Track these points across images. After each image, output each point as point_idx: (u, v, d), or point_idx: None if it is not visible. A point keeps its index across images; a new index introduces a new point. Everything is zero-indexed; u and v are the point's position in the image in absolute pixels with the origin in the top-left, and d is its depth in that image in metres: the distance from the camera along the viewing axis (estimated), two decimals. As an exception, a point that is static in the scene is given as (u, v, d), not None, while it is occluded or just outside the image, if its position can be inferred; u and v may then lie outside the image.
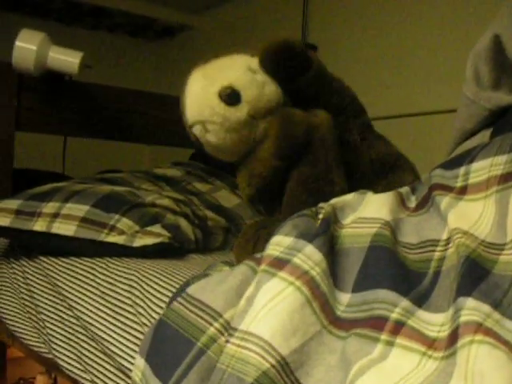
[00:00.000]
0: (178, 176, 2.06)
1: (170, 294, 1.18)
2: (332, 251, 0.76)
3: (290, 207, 0.93)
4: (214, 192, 2.00)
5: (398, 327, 0.65)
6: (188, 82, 0.99)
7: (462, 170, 0.78)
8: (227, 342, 0.72)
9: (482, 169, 0.75)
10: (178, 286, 1.21)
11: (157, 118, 2.26)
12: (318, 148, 0.92)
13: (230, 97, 0.93)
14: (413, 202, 0.86)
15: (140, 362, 0.83)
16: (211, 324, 0.76)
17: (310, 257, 0.74)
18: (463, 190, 0.76)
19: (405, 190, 0.89)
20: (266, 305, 0.70)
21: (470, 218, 0.72)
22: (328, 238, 0.77)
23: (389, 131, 1.17)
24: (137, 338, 1.16)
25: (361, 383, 0.60)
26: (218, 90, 0.93)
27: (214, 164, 2.21)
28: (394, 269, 0.71)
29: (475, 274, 0.63)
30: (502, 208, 0.68)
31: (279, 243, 0.77)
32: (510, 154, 0.72)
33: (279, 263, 0.74)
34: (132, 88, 2.27)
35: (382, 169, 0.97)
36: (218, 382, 0.69)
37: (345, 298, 0.73)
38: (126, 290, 1.26)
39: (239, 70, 0.95)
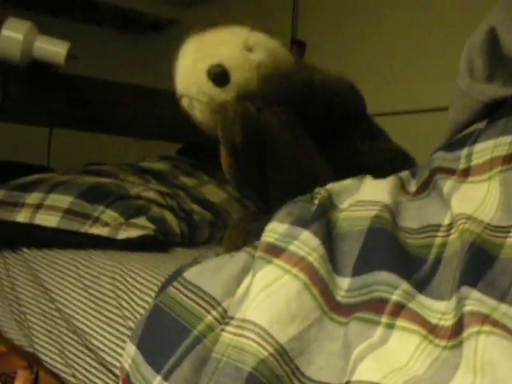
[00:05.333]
0: (165, 170, 2.04)
1: (154, 288, 1.15)
2: (329, 236, 0.74)
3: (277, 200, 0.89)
4: (201, 186, 1.97)
5: (399, 309, 0.64)
6: (181, 51, 0.95)
7: (464, 151, 0.77)
8: (223, 330, 0.70)
9: (484, 149, 0.74)
10: (162, 280, 1.18)
11: (144, 112, 2.23)
12: (274, 152, 0.88)
13: (218, 76, 0.88)
14: (413, 186, 0.84)
15: (131, 348, 0.80)
16: (209, 312, 0.74)
17: (307, 243, 0.72)
18: (466, 172, 0.75)
19: (405, 174, 0.87)
20: (261, 291, 0.68)
21: (473, 200, 0.70)
22: (325, 222, 0.75)
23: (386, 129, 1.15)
24: (119, 331, 1.14)
25: (361, 370, 0.59)
26: (208, 67, 0.88)
27: (201, 158, 2.19)
28: (394, 251, 0.70)
29: (480, 262, 0.62)
30: (507, 189, 0.67)
31: (274, 230, 0.75)
32: None
33: (274, 250, 0.72)
34: (119, 81, 2.24)
35: (382, 163, 0.95)
36: (212, 372, 0.67)
37: (345, 282, 0.71)
38: (109, 283, 1.24)
39: (233, 47, 0.91)
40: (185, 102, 0.92)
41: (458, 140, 0.84)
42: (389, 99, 2.67)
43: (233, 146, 0.87)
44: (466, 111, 0.99)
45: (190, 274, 0.80)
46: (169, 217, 1.56)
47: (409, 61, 2.70)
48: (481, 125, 0.96)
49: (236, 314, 0.70)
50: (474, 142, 0.76)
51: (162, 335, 0.76)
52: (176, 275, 0.84)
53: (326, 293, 0.70)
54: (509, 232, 0.64)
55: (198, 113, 0.91)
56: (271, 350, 0.64)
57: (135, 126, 2.26)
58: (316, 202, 0.79)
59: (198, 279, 0.79)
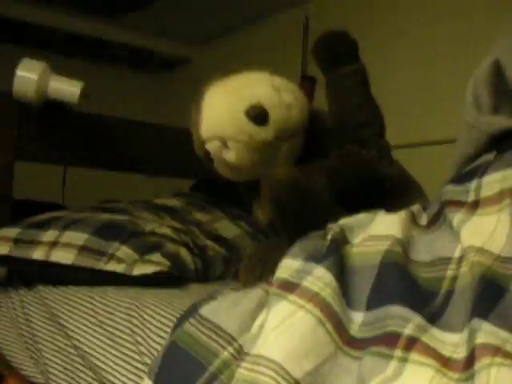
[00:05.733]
0: (178, 206, 2.05)
1: (169, 323, 1.16)
2: (342, 271, 0.75)
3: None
4: (214, 222, 1.98)
5: (412, 343, 0.64)
6: (206, 97, 0.95)
7: (473, 184, 0.78)
8: (238, 366, 0.71)
9: (493, 182, 0.75)
10: (177, 315, 1.19)
11: (158, 149, 2.25)
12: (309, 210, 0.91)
13: (259, 116, 0.89)
14: (424, 220, 0.85)
15: None
16: (225, 348, 0.74)
17: (320, 278, 0.73)
18: (475, 205, 0.75)
19: (416, 207, 0.88)
20: (276, 328, 0.69)
21: (483, 232, 0.71)
22: (338, 258, 0.76)
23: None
24: (135, 367, 1.14)
25: None
26: (246, 107, 0.89)
27: (215, 194, 2.21)
28: (406, 285, 0.70)
29: (491, 294, 0.62)
30: None
31: (288, 266, 0.76)
32: None
33: (288, 286, 0.73)
34: (132, 119, 2.27)
35: (394, 189, 0.96)
36: None
37: (359, 316, 0.71)
38: (124, 319, 1.24)
39: (266, 87, 0.92)
40: (213, 146, 0.92)
41: (466, 173, 0.85)
42: (397, 132, 2.68)
43: (277, 203, 0.88)
44: (474, 143, 1.00)
45: (205, 311, 0.81)
46: (183, 253, 1.57)
47: (417, 96, 2.72)
48: (488, 157, 0.97)
49: (251, 350, 0.70)
50: (483, 174, 0.77)
51: (179, 371, 0.76)
52: (191, 311, 0.85)
53: (339, 328, 0.70)
54: None
55: (234, 154, 0.91)
56: None
57: (149, 164, 2.28)
58: (329, 237, 0.80)
59: (213, 315, 0.79)
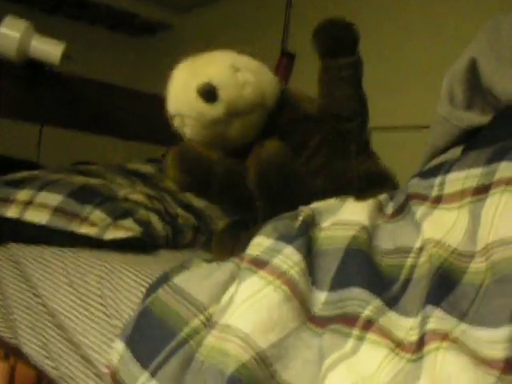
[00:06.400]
0: (151, 172, 2.08)
1: (139, 288, 1.20)
2: (310, 252, 0.80)
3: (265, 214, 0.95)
4: (186, 191, 2.01)
5: (369, 323, 0.69)
6: (173, 74, 1.00)
7: (437, 180, 0.82)
8: (207, 334, 0.75)
9: (456, 180, 0.79)
10: (147, 281, 1.23)
11: (134, 114, 2.27)
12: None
13: (208, 94, 0.93)
14: (390, 209, 0.89)
15: (120, 345, 0.85)
16: (196, 316, 0.79)
17: (289, 257, 0.77)
18: (438, 200, 0.80)
19: (383, 196, 0.92)
20: (245, 300, 0.73)
21: (443, 226, 0.75)
22: (307, 239, 0.80)
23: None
24: (105, 329, 1.18)
25: (331, 377, 0.64)
26: (197, 85, 0.93)
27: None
28: (368, 270, 0.75)
29: (445, 284, 0.67)
30: (474, 219, 0.72)
31: (260, 244, 0.81)
32: (485, 167, 0.76)
33: (259, 262, 0.77)
34: (109, 82, 2.28)
35: (366, 186, 1.00)
36: (196, 372, 0.71)
37: (322, 296, 0.76)
38: (95, 281, 1.28)
39: (221, 66, 0.96)
40: (176, 122, 0.97)
41: (431, 168, 0.89)
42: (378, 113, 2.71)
43: (264, 177, 0.93)
44: (446, 137, 1.04)
45: (179, 280, 0.85)
46: (155, 220, 1.60)
47: (385, 80, 2.74)
48: (456, 152, 1.02)
49: (220, 319, 0.75)
50: (447, 171, 0.82)
51: (151, 335, 0.81)
52: (164, 278, 0.89)
53: (304, 305, 0.75)
54: (472, 258, 0.70)
55: (189, 129, 0.96)
56: (253, 353, 0.69)
57: (125, 128, 2.30)
58: (299, 218, 0.84)
59: (186, 285, 0.84)
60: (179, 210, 1.81)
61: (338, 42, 0.98)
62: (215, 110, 0.96)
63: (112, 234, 1.47)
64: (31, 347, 1.36)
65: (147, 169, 2.10)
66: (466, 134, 1.02)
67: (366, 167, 1.01)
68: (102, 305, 1.22)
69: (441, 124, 1.06)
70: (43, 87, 2.03)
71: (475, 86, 1.03)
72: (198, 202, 1.97)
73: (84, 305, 1.25)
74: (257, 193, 0.94)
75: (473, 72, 1.04)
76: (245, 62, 1.00)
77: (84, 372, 1.22)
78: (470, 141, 1.01)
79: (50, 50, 1.84)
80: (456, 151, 1.03)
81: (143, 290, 1.19)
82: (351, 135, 1.01)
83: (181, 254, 1.61)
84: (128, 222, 1.51)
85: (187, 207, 1.88)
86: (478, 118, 1.01)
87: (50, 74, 2.02)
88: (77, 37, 3.71)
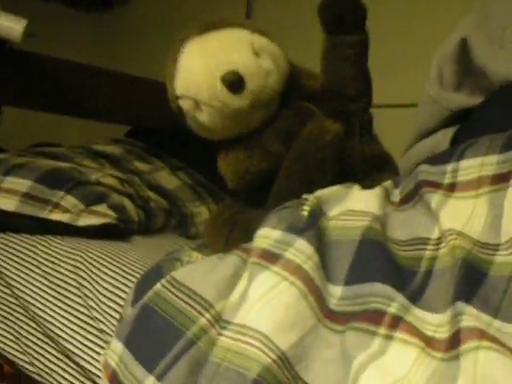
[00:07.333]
0: (118, 153, 2.01)
1: (119, 278, 1.15)
2: (321, 244, 0.75)
3: (278, 196, 0.90)
4: (155, 172, 1.96)
5: (396, 322, 0.65)
6: (184, 53, 0.92)
7: (449, 166, 0.78)
8: (220, 334, 0.70)
9: (471, 167, 0.75)
10: (127, 270, 1.18)
11: (95, 92, 2.20)
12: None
13: (236, 85, 0.87)
14: (396, 197, 0.85)
15: (117, 345, 0.79)
16: (202, 314, 0.73)
17: (302, 251, 0.72)
18: (452, 187, 0.75)
19: (388, 183, 0.88)
20: (260, 298, 0.68)
21: (460, 216, 0.71)
22: (316, 230, 0.76)
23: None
24: (83, 321, 1.13)
25: (364, 380, 0.60)
26: (223, 74, 0.87)
27: (153, 143, 2.18)
28: (387, 263, 0.71)
29: (473, 279, 0.63)
30: (495, 209, 0.68)
31: (267, 236, 0.75)
32: (501, 154, 0.72)
33: (270, 257, 0.72)
34: (67, 59, 2.20)
35: (370, 168, 0.95)
36: (212, 376, 0.66)
37: (336, 290, 0.71)
38: (70, 271, 1.23)
39: (245, 53, 0.89)
40: (186, 104, 0.90)
41: (441, 154, 0.85)
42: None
43: (323, 158, 0.89)
44: (434, 118, 1.01)
45: (179, 275, 0.80)
46: (128, 204, 1.55)
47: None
48: (446, 133, 0.99)
49: (233, 318, 0.70)
50: (460, 157, 0.78)
51: (154, 335, 0.75)
52: (158, 272, 0.83)
53: (320, 301, 0.70)
54: (497, 250, 0.66)
55: (206, 117, 0.89)
56: (274, 356, 0.65)
57: (87, 106, 2.23)
58: (305, 208, 0.79)
59: (188, 280, 0.78)
60: (151, 193, 1.76)
61: (344, 18, 0.93)
62: (241, 101, 0.89)
63: (86, 221, 1.41)
64: (3, 341, 1.30)
65: (114, 150, 2.04)
66: (454, 115, 0.99)
67: (369, 149, 0.96)
68: (78, 296, 1.17)
69: (430, 105, 1.03)
70: (2, 66, 1.94)
71: (465, 67, 1.00)
72: (169, 184, 1.92)
73: (59, 296, 1.20)
74: (292, 171, 0.89)
75: (463, 52, 1.01)
76: (262, 43, 0.93)
77: (61, 367, 1.17)
78: (464, 123, 0.98)
79: (11, 26, 1.75)
80: (447, 133, 1.00)
81: (124, 280, 1.15)
82: (355, 116, 0.96)
83: (154, 239, 1.57)
84: (102, 208, 1.45)
85: (158, 190, 1.83)
86: (467, 100, 0.98)
87: (10, 52, 1.93)
88: (33, 14, 3.61)
